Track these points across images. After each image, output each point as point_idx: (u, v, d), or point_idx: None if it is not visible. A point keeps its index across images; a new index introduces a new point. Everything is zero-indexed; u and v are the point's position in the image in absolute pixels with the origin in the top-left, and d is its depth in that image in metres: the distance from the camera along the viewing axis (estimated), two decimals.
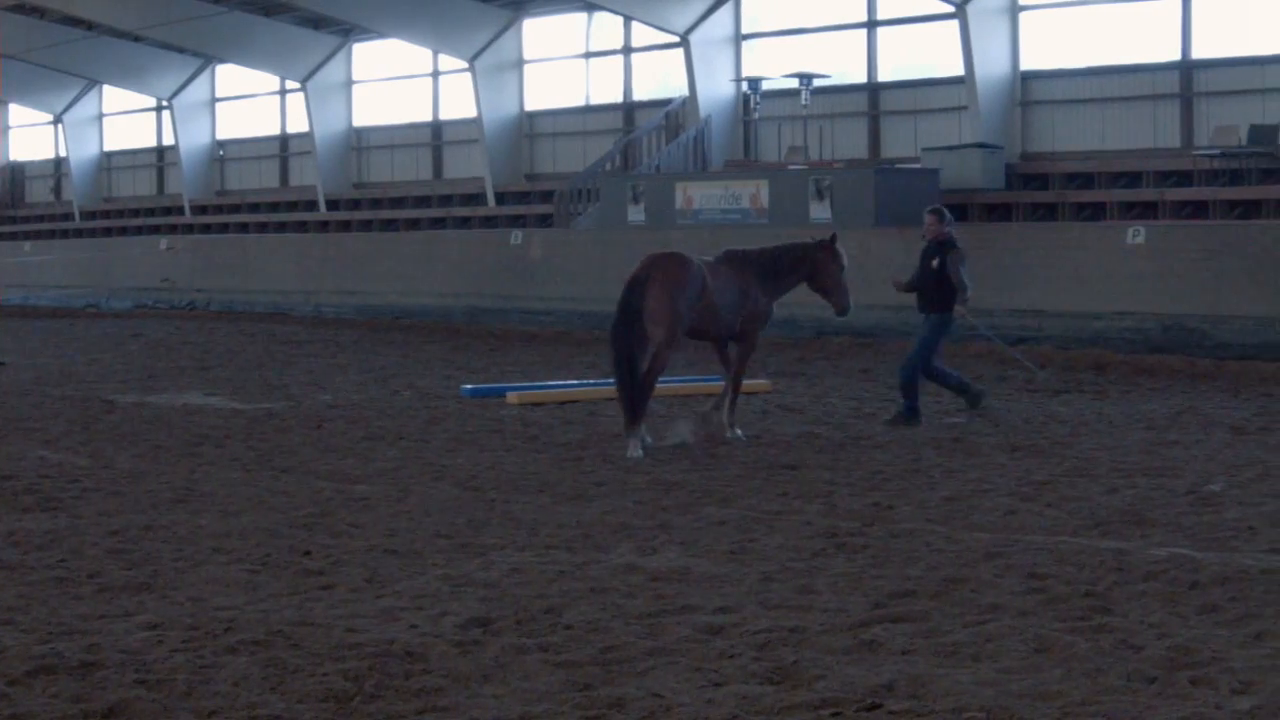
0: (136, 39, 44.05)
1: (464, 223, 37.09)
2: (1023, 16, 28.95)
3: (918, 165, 28.63)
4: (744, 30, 33.19)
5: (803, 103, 30.22)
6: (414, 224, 38.09)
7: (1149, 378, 20.57)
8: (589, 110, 36.83)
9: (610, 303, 14.82)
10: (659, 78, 35.26)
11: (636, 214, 30.27)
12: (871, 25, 31.38)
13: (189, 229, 44.52)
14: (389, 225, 38.52)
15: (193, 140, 46.36)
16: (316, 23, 40.68)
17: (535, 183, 37.16)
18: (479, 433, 15.72)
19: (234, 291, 38.55)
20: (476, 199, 37.87)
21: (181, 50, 44.08)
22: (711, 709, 6.56)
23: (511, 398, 18.22)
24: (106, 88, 49.48)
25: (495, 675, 7.13)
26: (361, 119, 41.88)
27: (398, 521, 10.98)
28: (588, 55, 36.79)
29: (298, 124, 43.52)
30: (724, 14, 32.92)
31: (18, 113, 52.64)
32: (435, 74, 40.17)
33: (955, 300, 15.92)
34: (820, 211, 27.07)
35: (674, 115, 33.56)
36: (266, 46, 40.90)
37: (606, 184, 31.91)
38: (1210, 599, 8.39)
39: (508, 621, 8.05)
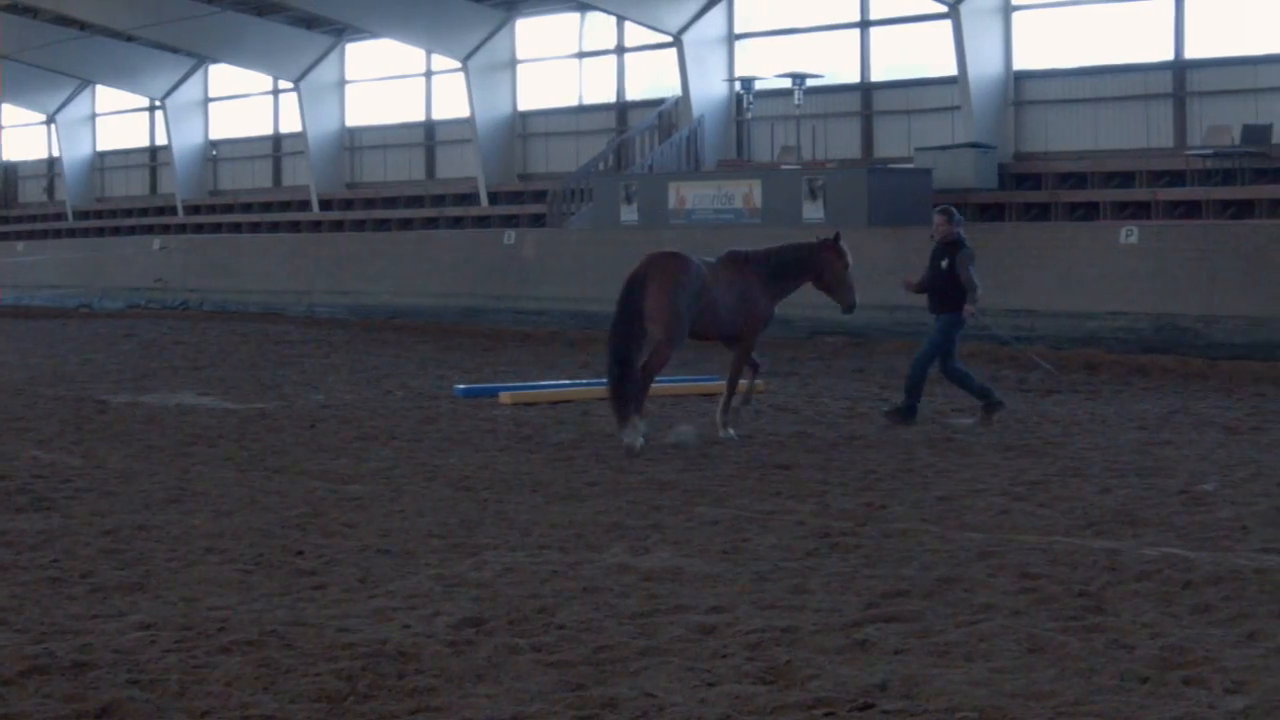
0: (129, 39, 44.03)
1: (457, 223, 37.07)
2: (1015, 16, 28.97)
3: (911, 165, 28.65)
4: (737, 30, 33.21)
5: (795, 103, 30.23)
6: (407, 224, 38.07)
7: (1142, 377, 20.60)
8: (582, 110, 36.84)
9: (604, 302, 14.83)
10: (652, 78, 35.27)
11: (630, 214, 30.26)
12: (864, 25, 31.40)
13: (182, 229, 44.49)
14: (382, 225, 38.49)
15: (185, 140, 46.35)
16: (309, 23, 40.66)
17: (528, 183, 37.16)
18: (472, 433, 15.72)
19: (227, 291, 38.52)
20: (469, 199, 37.86)
21: (174, 50, 44.09)
22: (704, 709, 6.56)
23: (505, 398, 18.20)
24: (99, 88, 49.47)
25: (488, 675, 7.13)
26: (354, 119, 41.89)
27: (391, 521, 10.97)
28: (581, 55, 36.80)
29: (290, 124, 43.52)
30: (717, 14, 32.93)
31: (10, 113, 52.57)
32: (428, 74, 40.16)
33: (965, 300, 15.89)
34: (813, 211, 27.06)
35: (667, 115, 33.58)
36: (259, 46, 40.89)
37: (599, 184, 31.91)
38: (1203, 599, 8.40)
39: (500, 621, 8.04)
